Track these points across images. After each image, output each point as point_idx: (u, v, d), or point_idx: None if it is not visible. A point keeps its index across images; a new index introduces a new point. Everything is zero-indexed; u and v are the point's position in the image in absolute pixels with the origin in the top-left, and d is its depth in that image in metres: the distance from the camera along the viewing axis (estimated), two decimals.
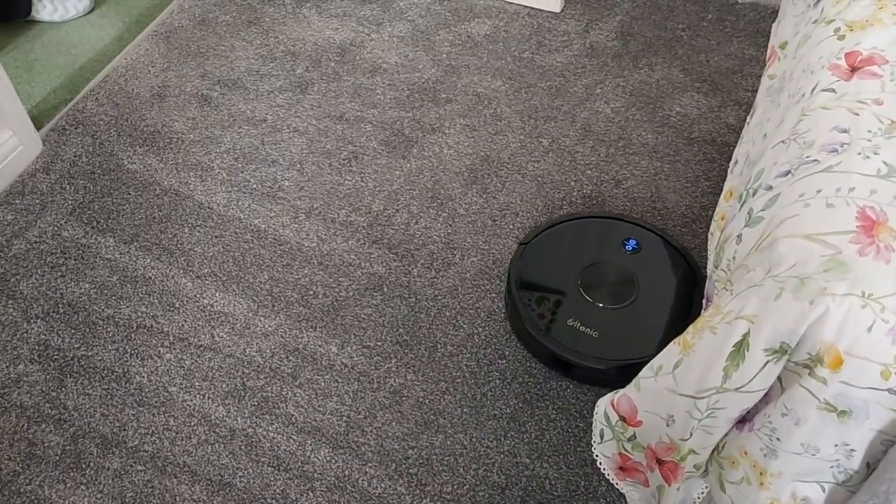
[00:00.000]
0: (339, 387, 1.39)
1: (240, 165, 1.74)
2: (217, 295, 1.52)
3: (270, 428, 1.34)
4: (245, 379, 1.40)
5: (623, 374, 1.31)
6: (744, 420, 0.95)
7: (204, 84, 1.91)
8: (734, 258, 1.01)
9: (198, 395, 1.38)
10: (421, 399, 1.38)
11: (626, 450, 1.14)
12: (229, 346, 1.45)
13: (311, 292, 1.52)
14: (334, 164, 1.74)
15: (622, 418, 1.11)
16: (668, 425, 1.01)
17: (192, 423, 1.35)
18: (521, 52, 1.98)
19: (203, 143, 1.78)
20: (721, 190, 1.60)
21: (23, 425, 1.35)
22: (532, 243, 1.50)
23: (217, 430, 1.34)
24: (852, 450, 0.86)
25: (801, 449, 0.88)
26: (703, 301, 1.23)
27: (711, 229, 1.38)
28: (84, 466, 1.30)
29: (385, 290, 1.52)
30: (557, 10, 2.06)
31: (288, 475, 1.29)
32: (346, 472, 1.29)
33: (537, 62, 1.95)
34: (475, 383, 1.39)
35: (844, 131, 0.94)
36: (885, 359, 0.78)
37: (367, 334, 1.46)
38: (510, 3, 2.10)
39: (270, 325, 1.47)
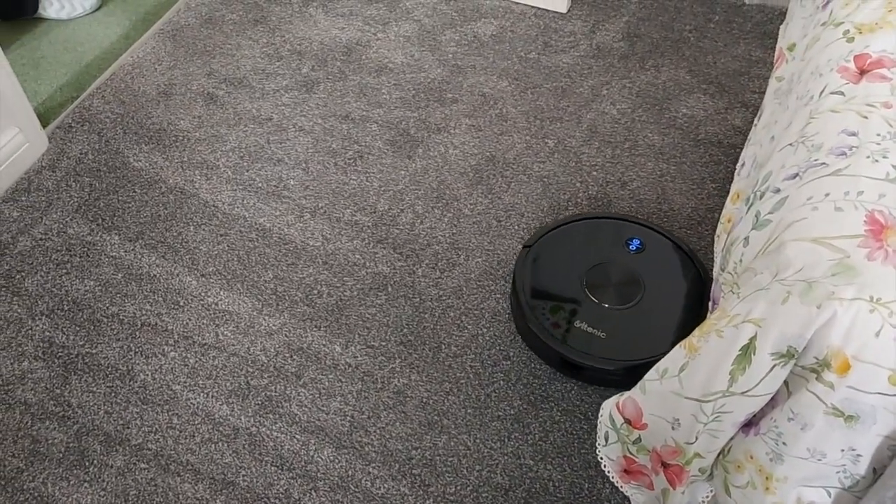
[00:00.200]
0: (342, 386, 1.39)
1: (245, 164, 1.74)
2: (222, 293, 1.52)
3: (274, 427, 1.34)
4: (249, 378, 1.40)
5: (632, 374, 1.31)
6: (750, 424, 0.94)
7: (210, 82, 1.91)
8: (741, 261, 1.01)
9: (202, 394, 1.38)
10: (425, 399, 1.37)
11: (630, 453, 1.14)
12: (233, 345, 1.45)
13: (315, 291, 1.52)
14: (339, 163, 1.74)
15: (627, 421, 1.10)
16: (673, 429, 1.01)
17: (196, 422, 1.35)
18: (528, 53, 1.97)
19: (209, 141, 1.79)
20: (727, 192, 1.59)
21: (27, 422, 1.35)
22: (536, 245, 1.50)
23: (221, 428, 1.34)
24: (859, 455, 0.85)
25: (807, 454, 0.87)
26: (710, 304, 1.23)
27: (718, 231, 1.37)
28: (87, 464, 1.30)
29: (389, 290, 1.52)
30: (564, 10, 2.06)
31: (291, 475, 1.29)
32: (350, 472, 1.29)
33: (543, 63, 1.95)
34: (479, 384, 1.39)
35: (853, 134, 0.94)
36: (892, 364, 0.78)
37: (371, 334, 1.46)
38: (516, 3, 2.10)
39: (275, 324, 1.47)
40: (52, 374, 1.41)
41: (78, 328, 1.47)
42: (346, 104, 1.86)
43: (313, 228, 1.62)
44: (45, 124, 1.81)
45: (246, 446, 1.32)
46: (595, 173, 1.71)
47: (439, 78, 1.92)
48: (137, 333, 1.46)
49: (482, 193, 1.68)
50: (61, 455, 1.31)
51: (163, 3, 2.15)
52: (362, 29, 2.04)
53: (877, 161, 0.90)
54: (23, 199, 1.67)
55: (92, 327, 1.47)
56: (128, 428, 1.34)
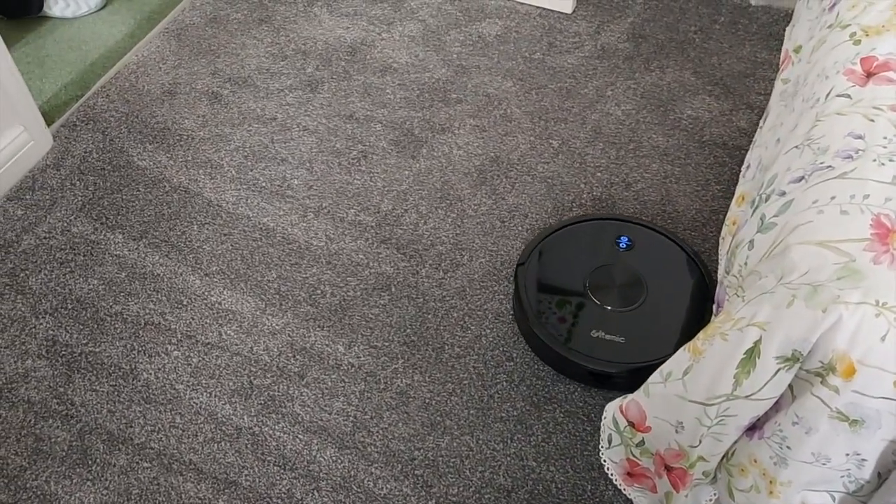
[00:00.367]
0: (345, 387, 1.39)
1: (249, 163, 1.74)
2: (225, 293, 1.52)
3: (277, 427, 1.34)
4: (252, 377, 1.40)
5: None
6: (754, 428, 0.94)
7: (214, 82, 1.91)
8: (746, 264, 1.01)
9: (204, 393, 1.38)
10: (427, 400, 1.37)
11: (634, 455, 1.14)
12: (237, 345, 1.45)
13: (318, 291, 1.52)
14: (343, 163, 1.74)
15: (631, 424, 1.10)
16: (677, 432, 1.01)
17: (199, 421, 1.35)
18: (532, 53, 1.97)
19: (213, 140, 1.79)
20: (732, 194, 1.59)
21: (30, 420, 1.35)
22: (529, 260, 1.47)
23: (223, 428, 1.34)
24: (864, 459, 0.85)
25: (811, 458, 0.87)
26: (714, 307, 1.23)
27: (723, 234, 1.37)
28: (90, 463, 1.30)
29: (393, 290, 1.52)
30: (569, 11, 2.06)
31: (293, 474, 1.29)
32: (352, 473, 1.29)
33: (548, 63, 1.94)
34: (482, 385, 1.39)
35: (859, 137, 0.93)
36: None
37: (374, 334, 1.46)
38: (521, 3, 2.10)
39: (278, 324, 1.47)
40: (56, 372, 1.41)
41: (81, 327, 1.47)
42: (350, 104, 1.86)
43: (317, 228, 1.62)
44: (49, 123, 1.81)
45: (248, 446, 1.32)
46: (599, 174, 1.71)
47: (444, 78, 1.91)
48: (141, 332, 1.46)
49: (486, 194, 1.68)
50: (64, 453, 1.31)
51: (168, 2, 2.15)
52: (367, 29, 2.04)
53: (883, 164, 0.89)
54: (27, 197, 1.67)
55: (95, 326, 1.47)
56: (131, 427, 1.34)
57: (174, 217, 1.64)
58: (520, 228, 1.61)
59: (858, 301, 0.78)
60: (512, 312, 1.48)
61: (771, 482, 0.92)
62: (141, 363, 1.42)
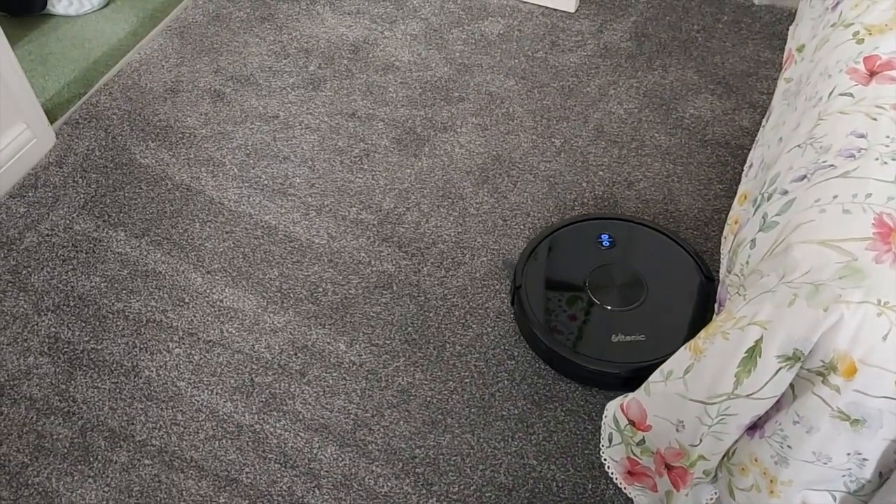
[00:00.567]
0: (346, 384, 1.39)
1: (251, 161, 1.74)
2: (227, 290, 1.52)
3: (278, 424, 1.34)
4: (253, 375, 1.40)
5: None
6: (755, 427, 0.94)
7: (217, 80, 1.91)
8: (748, 263, 1.00)
9: (206, 391, 1.38)
10: (429, 398, 1.37)
11: (634, 454, 1.13)
12: (238, 342, 1.45)
13: (320, 289, 1.52)
14: (346, 161, 1.74)
15: (631, 422, 1.10)
16: (677, 430, 1.00)
17: (200, 419, 1.35)
18: (535, 52, 1.97)
19: (215, 138, 1.79)
20: (734, 193, 1.58)
21: (32, 417, 1.35)
22: (524, 284, 1.44)
23: (225, 425, 1.34)
24: (865, 459, 0.85)
25: (812, 457, 0.87)
26: (716, 306, 1.22)
27: (725, 233, 1.37)
28: (92, 459, 1.31)
29: (394, 288, 1.52)
30: (572, 10, 2.05)
31: (294, 472, 1.29)
32: (353, 471, 1.29)
33: (550, 62, 1.94)
34: (483, 383, 1.39)
35: (862, 136, 0.93)
36: None
37: (375, 332, 1.46)
38: (524, 2, 2.09)
39: (279, 322, 1.47)
40: (58, 369, 1.41)
41: (83, 324, 1.47)
42: (352, 102, 1.86)
43: (319, 226, 1.62)
44: (52, 120, 1.81)
45: (250, 443, 1.32)
46: (601, 173, 1.71)
47: (446, 76, 1.91)
48: (142, 330, 1.46)
49: (488, 192, 1.67)
50: (66, 450, 1.32)
51: (170, 0, 2.15)
52: (369, 27, 2.04)
53: (885, 163, 0.89)
54: (29, 194, 1.68)
55: (97, 323, 1.47)
56: (132, 424, 1.35)
57: (176, 215, 1.64)
58: (521, 227, 1.61)
59: (860, 300, 0.78)
60: (523, 339, 1.43)
61: (772, 481, 0.92)
62: (142, 360, 1.42)
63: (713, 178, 1.69)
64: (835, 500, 0.91)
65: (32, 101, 1.70)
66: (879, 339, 0.77)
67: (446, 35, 2.02)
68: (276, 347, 1.44)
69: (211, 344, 1.44)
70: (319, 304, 1.50)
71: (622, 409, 1.11)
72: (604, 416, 1.20)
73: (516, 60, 1.95)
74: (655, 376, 1.03)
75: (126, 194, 1.68)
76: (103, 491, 1.27)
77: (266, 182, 1.70)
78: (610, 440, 1.18)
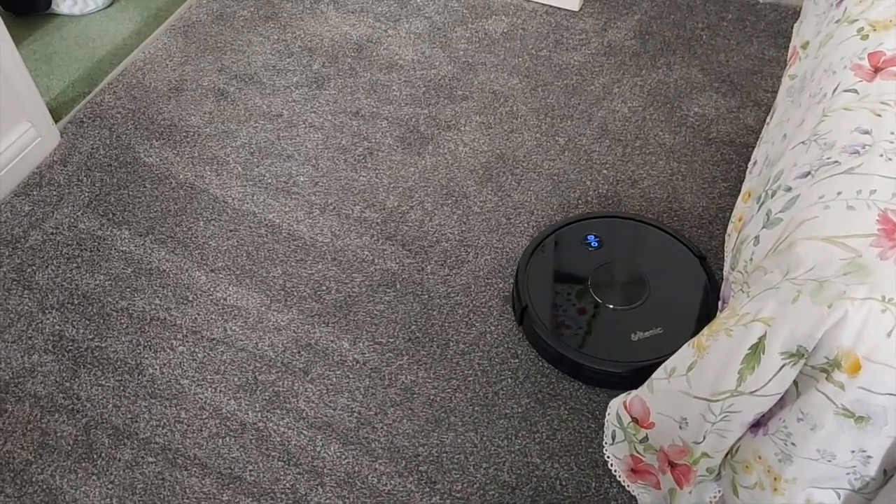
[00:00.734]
0: (350, 383, 1.39)
1: (255, 160, 1.74)
2: (230, 289, 1.52)
3: (281, 422, 1.34)
4: (257, 373, 1.40)
5: None
6: (758, 424, 0.93)
7: (221, 78, 1.91)
8: (751, 260, 1.00)
9: (210, 389, 1.38)
10: (432, 396, 1.37)
11: (637, 452, 1.13)
12: (242, 340, 1.45)
13: (324, 288, 1.52)
14: (349, 159, 1.74)
15: (634, 420, 1.10)
16: (681, 428, 1.00)
17: (204, 416, 1.35)
18: (539, 50, 1.96)
19: (219, 137, 1.79)
20: (739, 191, 1.58)
21: (36, 415, 1.36)
22: (531, 306, 1.41)
23: (228, 423, 1.34)
24: (869, 456, 0.85)
25: (816, 455, 0.86)
26: (720, 303, 1.22)
27: (728, 230, 1.36)
28: (96, 457, 1.31)
29: (398, 286, 1.52)
30: (576, 8, 2.05)
31: (298, 470, 1.29)
32: (356, 469, 1.29)
33: (554, 60, 1.94)
34: (487, 382, 1.39)
35: (866, 132, 0.93)
36: None
37: (379, 331, 1.46)
38: (528, 0, 2.09)
39: (283, 320, 1.47)
40: (62, 367, 1.41)
41: (88, 322, 1.48)
42: (356, 101, 1.86)
43: (322, 225, 1.62)
44: (56, 119, 1.82)
45: (253, 441, 1.32)
46: (605, 171, 1.70)
47: (450, 75, 1.91)
48: (146, 328, 1.47)
49: (492, 191, 1.67)
50: (70, 448, 1.32)
51: (174, 0, 2.15)
52: (373, 26, 2.04)
53: (890, 160, 0.88)
54: (34, 193, 1.68)
55: (101, 321, 1.48)
56: (136, 422, 1.35)
57: (180, 213, 1.65)
58: (525, 225, 1.61)
59: (864, 297, 0.78)
60: (542, 360, 1.41)
61: (775, 479, 0.91)
62: (146, 358, 1.43)
63: (717, 176, 1.69)
64: (839, 497, 0.90)
65: (37, 101, 1.71)
66: (884, 335, 0.77)
67: (450, 33, 2.02)
68: (280, 345, 1.44)
69: (214, 342, 1.45)
70: (323, 303, 1.50)
71: (625, 407, 1.11)
72: (607, 414, 1.19)
73: (520, 59, 1.95)
74: (659, 373, 1.02)
75: (130, 193, 1.68)
76: (107, 488, 1.28)
77: (270, 181, 1.70)
78: (613, 438, 1.18)
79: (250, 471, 1.29)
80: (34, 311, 1.49)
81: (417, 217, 1.63)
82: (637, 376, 1.32)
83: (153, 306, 1.50)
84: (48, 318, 1.48)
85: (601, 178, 1.69)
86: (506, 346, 1.43)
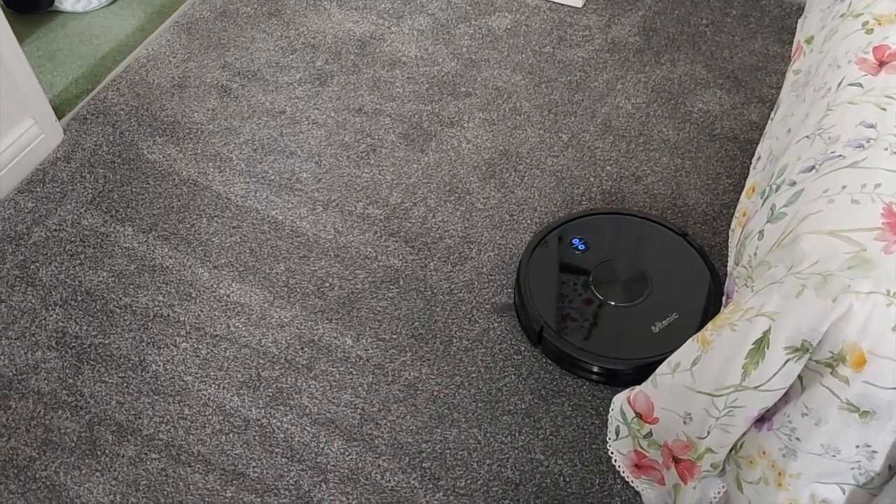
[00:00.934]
0: (353, 379, 1.39)
1: (258, 157, 1.74)
2: (233, 285, 1.52)
3: (285, 419, 1.34)
4: (260, 369, 1.40)
5: None
6: (763, 419, 0.93)
7: (224, 75, 1.91)
8: (755, 254, 1.00)
9: (213, 385, 1.39)
10: (435, 393, 1.37)
11: (641, 447, 1.13)
12: (245, 337, 1.45)
13: (327, 284, 1.52)
14: (352, 156, 1.74)
15: (638, 415, 1.10)
16: (685, 423, 1.00)
17: (207, 413, 1.35)
18: (542, 47, 1.96)
19: (222, 133, 1.79)
20: (743, 188, 1.57)
21: (39, 411, 1.36)
22: (549, 330, 1.38)
23: (231, 420, 1.34)
24: (874, 451, 0.84)
25: (821, 450, 0.86)
26: (724, 298, 1.22)
27: (732, 226, 1.36)
28: (99, 453, 1.31)
29: (401, 283, 1.52)
30: (579, 4, 2.05)
31: (301, 466, 1.29)
32: (360, 465, 1.29)
33: (558, 57, 1.94)
34: (490, 378, 1.38)
35: (871, 126, 0.92)
36: None
37: (382, 327, 1.45)
38: None
39: (286, 317, 1.47)
40: (65, 364, 1.42)
41: (91, 319, 1.48)
42: (359, 97, 1.86)
43: (325, 221, 1.62)
44: (60, 116, 1.82)
45: (256, 438, 1.32)
46: (609, 168, 1.70)
47: (453, 71, 1.91)
48: (150, 324, 1.47)
49: (495, 187, 1.67)
50: (73, 444, 1.32)
51: None
52: (376, 22, 2.04)
53: (894, 153, 0.88)
54: (37, 190, 1.68)
55: (105, 318, 1.48)
56: (139, 418, 1.35)
57: (183, 210, 1.65)
58: (528, 222, 1.61)
59: (869, 291, 0.78)
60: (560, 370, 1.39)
61: (780, 474, 0.91)
62: (150, 355, 1.43)
63: (721, 172, 1.68)
64: (844, 493, 0.90)
65: (40, 97, 1.71)
66: (889, 329, 0.77)
67: (453, 30, 2.01)
68: (283, 342, 1.44)
69: (218, 338, 1.45)
70: (326, 299, 1.50)
71: (629, 402, 1.11)
72: (610, 409, 1.19)
73: (523, 55, 1.94)
74: (663, 368, 1.02)
75: (133, 189, 1.68)
76: (110, 485, 1.28)
77: (273, 177, 1.70)
78: (617, 433, 1.17)
79: (254, 467, 1.29)
80: (37, 308, 1.49)
81: (420, 214, 1.63)
82: (623, 378, 1.34)
83: (156, 303, 1.50)
84: (51, 315, 1.48)
85: (605, 175, 1.68)
86: (509, 342, 1.43)
